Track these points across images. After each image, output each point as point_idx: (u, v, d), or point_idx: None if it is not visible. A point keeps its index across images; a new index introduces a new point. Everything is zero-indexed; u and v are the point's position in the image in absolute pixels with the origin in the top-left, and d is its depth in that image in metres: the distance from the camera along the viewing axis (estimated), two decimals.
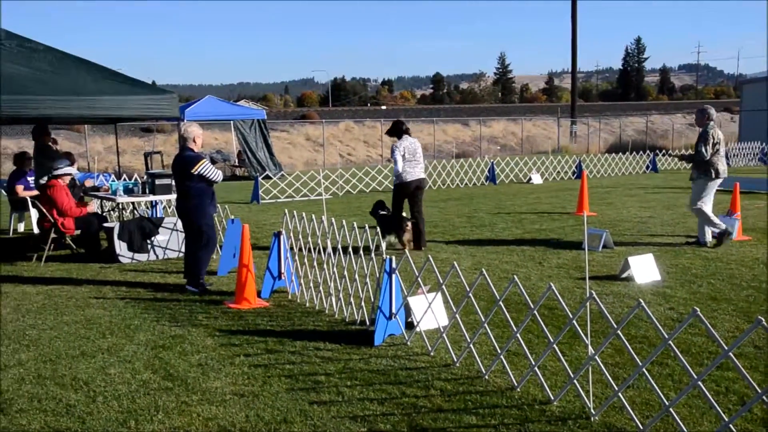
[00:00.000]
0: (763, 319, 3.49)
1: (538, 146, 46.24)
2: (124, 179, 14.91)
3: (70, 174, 10.22)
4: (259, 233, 12.24)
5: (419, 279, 5.74)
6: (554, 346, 4.54)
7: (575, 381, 4.41)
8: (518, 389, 4.80)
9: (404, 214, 10.35)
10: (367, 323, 6.36)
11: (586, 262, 4.50)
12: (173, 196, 11.17)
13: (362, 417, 4.42)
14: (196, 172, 7.71)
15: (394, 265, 5.86)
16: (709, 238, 10.14)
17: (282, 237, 7.60)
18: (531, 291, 7.56)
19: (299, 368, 5.32)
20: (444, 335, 5.48)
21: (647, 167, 26.47)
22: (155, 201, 11.53)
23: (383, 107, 73.30)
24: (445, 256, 9.71)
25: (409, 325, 6.10)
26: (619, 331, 4.10)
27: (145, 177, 11.75)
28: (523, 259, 9.49)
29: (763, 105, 35.74)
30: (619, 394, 4.14)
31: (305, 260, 7.59)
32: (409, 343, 5.86)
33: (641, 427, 4.07)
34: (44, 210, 9.80)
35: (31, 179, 11.97)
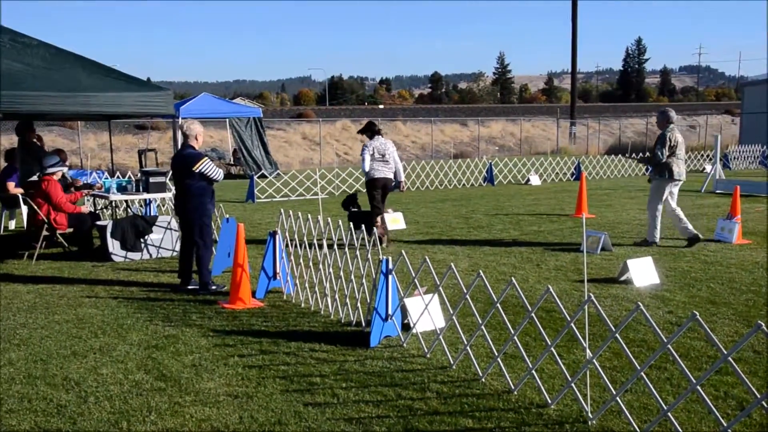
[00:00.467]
0: (762, 324, 3.46)
1: (537, 147, 46.26)
2: (118, 177, 14.82)
3: (61, 170, 10.16)
4: (255, 233, 12.19)
5: (416, 280, 5.69)
6: (552, 349, 4.49)
7: (573, 384, 4.37)
8: (515, 392, 4.76)
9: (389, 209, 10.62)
10: (363, 324, 6.31)
11: (584, 264, 4.46)
12: (167, 195, 11.13)
13: (357, 419, 4.38)
14: (197, 170, 7.65)
15: (390, 266, 5.81)
16: (657, 238, 10.44)
17: (277, 237, 7.55)
18: (528, 293, 7.53)
19: (294, 369, 5.27)
20: (440, 337, 5.43)
21: (647, 169, 26.42)
22: (149, 199, 11.47)
23: (381, 106, 73.40)
24: (442, 258, 9.66)
25: (406, 327, 6.06)
26: (617, 335, 4.06)
27: (139, 175, 11.70)
28: (520, 260, 9.45)
29: (764, 107, 35.77)
30: (617, 398, 4.10)
31: (301, 260, 7.53)
32: (405, 344, 5.82)
33: None
34: (35, 207, 9.73)
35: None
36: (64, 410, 4.57)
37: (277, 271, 7.67)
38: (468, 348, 5.19)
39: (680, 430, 3.84)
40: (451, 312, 5.38)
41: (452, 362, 5.32)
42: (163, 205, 14.71)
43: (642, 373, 3.95)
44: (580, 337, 4.37)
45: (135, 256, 9.84)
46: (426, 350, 5.59)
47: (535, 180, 22.88)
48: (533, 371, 4.62)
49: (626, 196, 18.07)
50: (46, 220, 9.72)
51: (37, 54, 8.85)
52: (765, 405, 3.51)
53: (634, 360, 4.06)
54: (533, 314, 4.63)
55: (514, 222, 13.38)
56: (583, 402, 4.34)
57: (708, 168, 26.83)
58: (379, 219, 10.55)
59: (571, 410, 4.46)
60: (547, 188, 21.11)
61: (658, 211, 10.36)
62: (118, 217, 11.73)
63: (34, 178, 10.74)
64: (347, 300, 6.61)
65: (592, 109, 69.36)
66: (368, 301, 6.41)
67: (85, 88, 8.44)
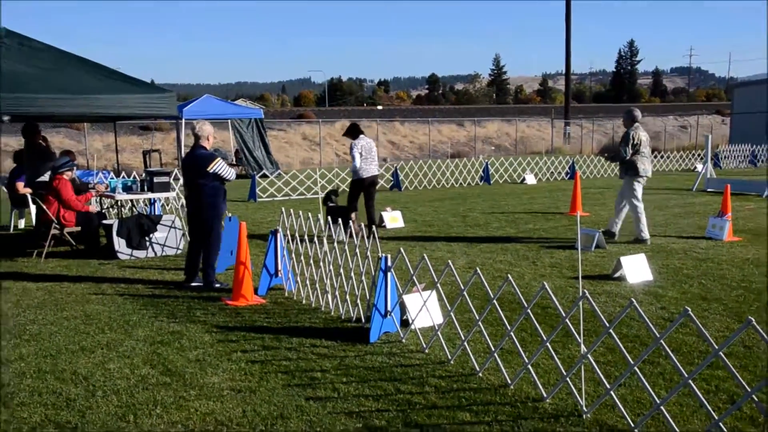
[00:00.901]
0: (753, 319, 3.56)
1: (532, 147, 46.33)
2: (123, 177, 14.92)
3: (71, 169, 10.29)
4: (256, 231, 12.29)
5: (414, 277, 5.79)
6: (547, 344, 4.60)
7: (568, 379, 4.46)
8: (512, 387, 4.86)
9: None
10: (363, 321, 6.42)
11: (579, 261, 4.58)
12: (171, 194, 11.24)
13: (357, 413, 4.47)
14: (211, 171, 7.75)
15: (389, 264, 5.92)
16: (646, 235, 10.70)
17: (279, 235, 7.66)
18: (524, 290, 7.64)
19: (296, 364, 5.38)
20: (438, 333, 5.54)
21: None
22: (154, 198, 11.57)
23: (379, 107, 73.38)
24: (439, 255, 9.77)
25: (404, 323, 6.15)
26: (611, 330, 4.15)
27: (143, 175, 11.80)
28: (516, 258, 9.57)
29: (753, 108, 35.95)
30: (611, 392, 4.20)
31: (301, 258, 7.64)
32: (404, 340, 5.92)
33: (632, 425, 4.13)
34: (43, 206, 9.85)
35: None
36: (73, 404, 4.68)
37: (279, 268, 7.78)
38: (465, 343, 5.28)
39: (672, 423, 3.93)
40: (449, 308, 5.47)
41: (450, 357, 5.42)
42: (167, 204, 14.79)
43: (635, 368, 4.05)
44: (575, 333, 4.48)
45: (140, 254, 9.95)
46: (424, 346, 5.69)
47: (530, 179, 22.98)
48: (529, 366, 4.72)
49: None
50: (54, 219, 9.84)
51: (44, 57, 8.95)
52: (755, 399, 3.61)
53: (627, 355, 4.16)
54: (529, 310, 4.74)
55: (511, 220, 13.49)
56: (577, 396, 4.44)
57: (699, 167, 26.89)
58: (354, 215, 11.09)
59: (566, 404, 4.56)
60: (542, 187, 21.20)
61: (639, 207, 10.62)
62: (124, 216, 11.84)
63: (44, 178, 10.85)
64: (347, 297, 6.72)
65: (585, 109, 69.40)
66: (368, 297, 6.52)
67: (90, 90, 8.54)
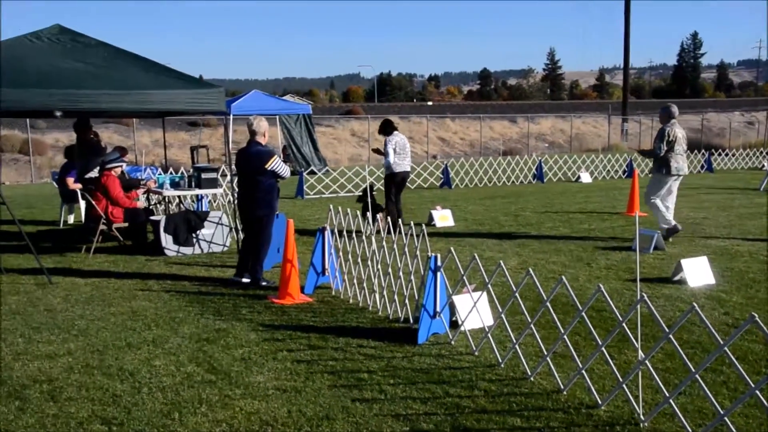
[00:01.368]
0: None
1: (588, 144, 45.55)
2: (171, 173, 15.12)
3: (121, 166, 10.43)
4: (304, 229, 12.29)
5: (464, 278, 5.66)
6: (602, 349, 4.43)
7: (624, 386, 4.29)
8: (564, 392, 4.71)
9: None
10: (411, 321, 6.31)
11: (637, 263, 4.37)
12: (219, 191, 11.31)
13: (405, 416, 4.38)
14: (269, 168, 7.73)
15: (439, 263, 5.79)
16: (673, 222, 10.57)
17: (326, 233, 7.59)
18: (579, 292, 7.42)
19: (342, 365, 5.30)
20: (489, 335, 5.40)
21: (702, 167, 25.84)
22: (201, 195, 11.66)
23: (429, 103, 73.20)
24: (490, 255, 9.60)
25: (454, 324, 6.03)
26: (671, 336, 3.97)
27: (191, 171, 11.90)
28: (570, 259, 9.33)
29: None
30: (671, 400, 4.01)
31: (349, 256, 7.57)
32: (453, 342, 5.80)
33: None
34: (93, 202, 10.00)
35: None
36: (119, 400, 4.68)
37: (326, 267, 7.72)
38: (517, 346, 5.15)
39: None
40: (500, 310, 5.34)
41: (500, 360, 5.28)
42: (215, 201, 14.94)
43: (697, 376, 3.86)
44: (631, 338, 4.30)
45: (187, 250, 10.02)
46: (474, 348, 5.56)
47: (585, 177, 22.53)
48: (583, 371, 4.55)
49: (679, 194, 17.53)
50: (103, 215, 9.99)
51: (95, 53, 9.06)
52: None
53: (688, 362, 3.97)
54: (584, 313, 4.57)
55: (564, 220, 13.21)
56: (634, 403, 4.27)
57: (767, 165, 26.07)
58: (381, 213, 11.34)
59: (623, 412, 4.39)
60: (597, 186, 20.77)
61: (658, 202, 10.51)
62: (171, 212, 11.97)
63: (93, 173, 11.04)
64: (395, 296, 6.62)
65: (644, 105, 67.82)
66: (416, 297, 6.41)
67: (141, 86, 8.61)
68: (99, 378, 5.08)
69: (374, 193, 11.77)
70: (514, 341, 5.19)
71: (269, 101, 25.37)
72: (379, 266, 6.94)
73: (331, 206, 8.15)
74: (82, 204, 11.43)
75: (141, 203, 10.81)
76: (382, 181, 12.03)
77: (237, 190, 8.12)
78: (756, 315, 3.58)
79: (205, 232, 10.18)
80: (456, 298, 5.95)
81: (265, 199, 7.80)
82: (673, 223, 10.56)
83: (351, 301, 7.24)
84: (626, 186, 17.90)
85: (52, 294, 7.64)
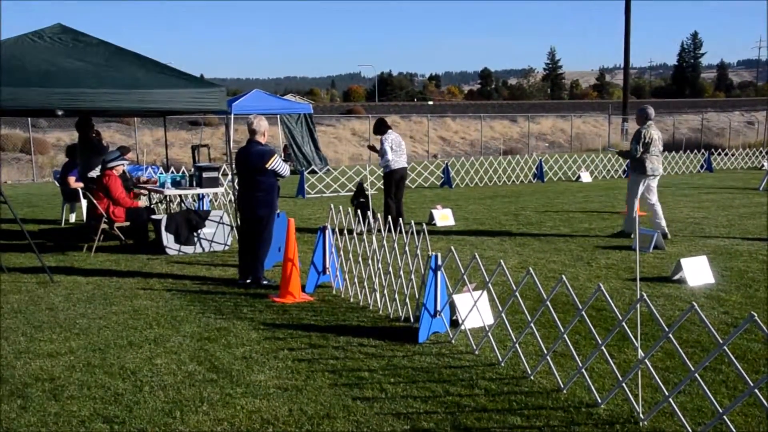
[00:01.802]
0: None
1: (588, 144, 45.52)
2: (172, 172, 15.14)
3: (122, 164, 10.45)
4: (305, 228, 12.30)
5: (465, 277, 5.68)
6: (602, 348, 4.44)
7: (624, 384, 4.31)
8: (564, 391, 4.72)
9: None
10: (412, 320, 6.33)
11: (637, 263, 4.38)
12: (220, 189, 11.32)
13: (405, 414, 4.39)
14: (270, 167, 7.74)
15: (439, 262, 5.81)
16: (636, 228, 10.52)
17: (327, 232, 7.61)
18: (579, 291, 7.44)
19: (343, 363, 5.32)
20: (489, 334, 5.41)
21: (701, 167, 25.82)
22: (202, 194, 11.68)
23: (430, 102, 73.04)
24: (491, 254, 9.61)
25: (454, 323, 6.05)
26: (670, 335, 3.98)
27: (192, 170, 11.91)
28: (570, 258, 9.34)
29: None
30: (670, 399, 4.02)
31: (350, 255, 7.58)
32: (453, 341, 5.81)
33: None
34: (95, 201, 10.02)
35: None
36: (120, 398, 4.70)
37: (327, 266, 7.74)
38: (517, 345, 5.16)
39: None
40: (500, 309, 5.35)
41: (501, 359, 5.29)
42: (216, 200, 14.95)
43: (696, 375, 3.87)
44: (631, 337, 4.31)
45: (188, 249, 10.04)
46: (474, 347, 5.58)
47: (585, 177, 22.52)
48: (583, 370, 4.56)
49: (679, 194, 17.67)
50: (105, 214, 10.00)
51: (98, 53, 9.08)
52: None
53: (687, 361, 3.98)
54: (584, 312, 4.58)
55: (565, 219, 13.22)
56: (634, 402, 4.28)
57: (766, 165, 26.06)
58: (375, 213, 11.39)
59: (622, 410, 4.40)
60: (598, 185, 20.77)
61: (635, 205, 10.70)
62: (172, 211, 11.98)
63: (95, 172, 11.06)
64: (396, 296, 6.64)
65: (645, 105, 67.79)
66: (417, 297, 6.43)
67: (142, 85, 8.62)
68: (100, 376, 5.10)
69: (366, 192, 11.94)
70: (515, 340, 5.20)
71: (270, 100, 25.37)
72: (380, 265, 6.96)
73: (332, 205, 8.16)
74: (84, 203, 11.45)
75: (142, 202, 10.82)
76: (382, 180, 12.04)
77: (237, 189, 8.12)
78: (755, 314, 3.60)
79: (207, 231, 10.20)
80: (456, 297, 5.96)
81: (266, 198, 7.81)
82: (665, 229, 10.76)
83: (352, 300, 7.25)
84: (626, 186, 17.87)
85: (53, 293, 7.66)
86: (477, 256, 5.55)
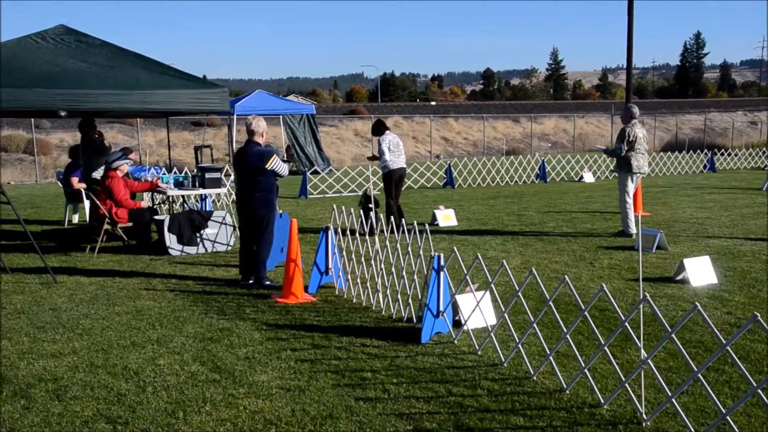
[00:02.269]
0: None
1: (591, 144, 45.49)
2: (175, 172, 15.15)
3: (125, 164, 10.46)
4: (307, 228, 12.31)
5: (467, 277, 5.67)
6: (605, 348, 4.43)
7: (626, 385, 4.30)
8: (567, 391, 4.71)
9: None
10: (414, 321, 6.33)
11: (639, 263, 4.38)
12: (223, 190, 11.33)
13: (408, 415, 4.39)
14: (269, 167, 7.75)
15: (442, 263, 5.80)
16: (633, 229, 10.93)
17: (329, 232, 7.61)
18: (581, 292, 7.43)
19: (345, 364, 5.32)
20: (492, 334, 5.41)
21: (704, 167, 25.80)
22: (205, 194, 11.69)
23: (432, 103, 73.07)
24: (493, 255, 9.60)
25: (457, 324, 6.04)
26: (673, 335, 3.97)
27: (195, 170, 11.92)
28: (573, 259, 9.33)
29: None
30: (673, 399, 4.02)
31: (353, 256, 7.58)
32: (456, 341, 5.81)
33: None
34: (98, 202, 10.03)
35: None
36: (123, 399, 4.70)
37: (330, 266, 7.74)
38: (519, 346, 5.15)
39: None
40: (503, 309, 5.34)
41: (503, 360, 5.29)
42: (218, 201, 14.97)
43: (699, 375, 3.86)
44: (634, 337, 4.30)
45: (191, 250, 10.05)
46: (477, 347, 5.57)
47: (588, 177, 22.51)
48: (586, 370, 4.56)
49: (682, 194, 17.65)
50: (107, 215, 10.01)
51: (100, 53, 9.11)
52: None
53: (690, 361, 3.97)
54: (586, 313, 4.58)
55: (567, 219, 13.21)
56: (637, 403, 4.27)
57: None
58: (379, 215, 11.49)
59: (625, 411, 4.39)
60: (600, 185, 20.75)
61: (628, 203, 10.88)
62: (175, 212, 11.99)
63: (98, 173, 11.08)
64: (399, 296, 6.63)
65: (648, 105, 67.65)
66: (420, 297, 6.42)
67: (144, 86, 8.64)
68: (104, 377, 5.10)
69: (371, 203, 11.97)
70: (517, 340, 5.19)
71: (273, 101, 25.40)
72: (383, 266, 6.95)
73: (335, 206, 8.16)
74: (87, 204, 11.47)
75: (144, 202, 10.83)
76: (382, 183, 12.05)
77: (236, 190, 8.13)
78: (758, 314, 3.59)
79: (209, 231, 10.21)
80: (459, 298, 5.96)
81: (266, 198, 7.82)
82: (632, 230, 10.94)
83: (354, 300, 7.25)
84: None
85: (56, 293, 7.67)
86: (479, 257, 5.54)
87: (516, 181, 22.07)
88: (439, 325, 5.94)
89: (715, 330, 3.79)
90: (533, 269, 5.04)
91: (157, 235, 10.35)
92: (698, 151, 29.32)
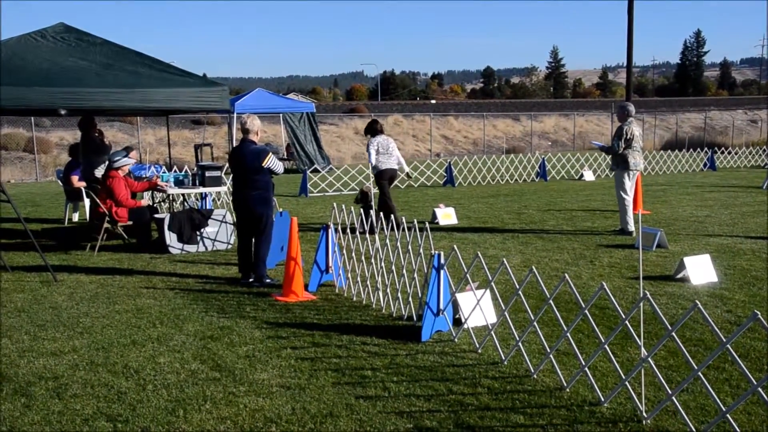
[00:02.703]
0: None
1: (589, 141, 45.46)
2: (175, 171, 15.15)
3: (127, 163, 10.46)
4: (307, 226, 12.31)
5: (468, 275, 5.67)
6: (605, 346, 4.44)
7: (627, 383, 4.30)
8: (567, 389, 4.71)
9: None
10: (415, 319, 6.33)
11: (640, 261, 4.38)
12: (223, 188, 11.33)
13: (408, 413, 4.39)
14: (266, 165, 7.76)
15: (442, 261, 5.80)
16: (632, 227, 11.06)
17: (330, 231, 7.61)
18: (582, 290, 7.43)
19: (346, 362, 5.32)
20: (492, 333, 5.41)
21: (705, 165, 25.79)
22: (205, 193, 11.68)
23: (433, 101, 73.01)
24: (494, 253, 9.60)
25: (457, 322, 6.05)
26: (673, 333, 3.97)
27: (195, 169, 11.93)
28: (573, 257, 9.33)
29: None
30: (673, 397, 4.02)
31: (353, 254, 7.58)
32: (456, 339, 5.81)
33: None
34: (98, 200, 10.03)
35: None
36: (124, 397, 4.70)
37: (330, 264, 7.74)
38: (520, 344, 5.16)
39: None
40: (503, 307, 5.35)
41: (504, 358, 5.29)
42: (219, 199, 14.97)
43: (699, 373, 3.86)
44: (634, 335, 4.30)
45: (191, 248, 10.05)
46: (477, 345, 5.58)
47: (588, 175, 22.51)
48: (586, 369, 4.56)
49: (682, 192, 17.65)
50: (107, 213, 10.01)
51: (100, 52, 9.11)
52: None
53: (690, 359, 3.98)
54: (587, 311, 4.58)
55: (567, 218, 13.21)
56: (637, 401, 4.27)
57: None
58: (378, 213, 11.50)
59: (625, 409, 4.39)
60: (600, 184, 20.75)
61: (627, 200, 11.01)
62: (175, 210, 11.99)
63: (99, 171, 11.07)
64: (399, 294, 6.63)
65: (647, 103, 67.55)
66: (420, 295, 6.43)
67: (144, 85, 8.64)
68: (104, 375, 5.11)
69: (370, 201, 11.96)
70: (517, 339, 5.19)
71: (273, 99, 25.41)
72: (383, 264, 6.95)
73: (335, 204, 8.16)
74: (87, 202, 11.47)
75: (144, 201, 10.83)
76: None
77: (232, 189, 8.14)
78: (758, 313, 3.59)
79: (209, 230, 10.21)
80: (459, 296, 5.96)
81: (263, 196, 7.83)
82: (630, 224, 11.03)
83: (355, 298, 7.25)
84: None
85: (57, 292, 7.67)
86: (480, 255, 5.54)
87: (516, 180, 22.07)
88: (440, 323, 5.94)
89: (715, 328, 3.79)
90: (533, 267, 5.04)
91: (158, 233, 10.35)
92: (698, 149, 29.31)
